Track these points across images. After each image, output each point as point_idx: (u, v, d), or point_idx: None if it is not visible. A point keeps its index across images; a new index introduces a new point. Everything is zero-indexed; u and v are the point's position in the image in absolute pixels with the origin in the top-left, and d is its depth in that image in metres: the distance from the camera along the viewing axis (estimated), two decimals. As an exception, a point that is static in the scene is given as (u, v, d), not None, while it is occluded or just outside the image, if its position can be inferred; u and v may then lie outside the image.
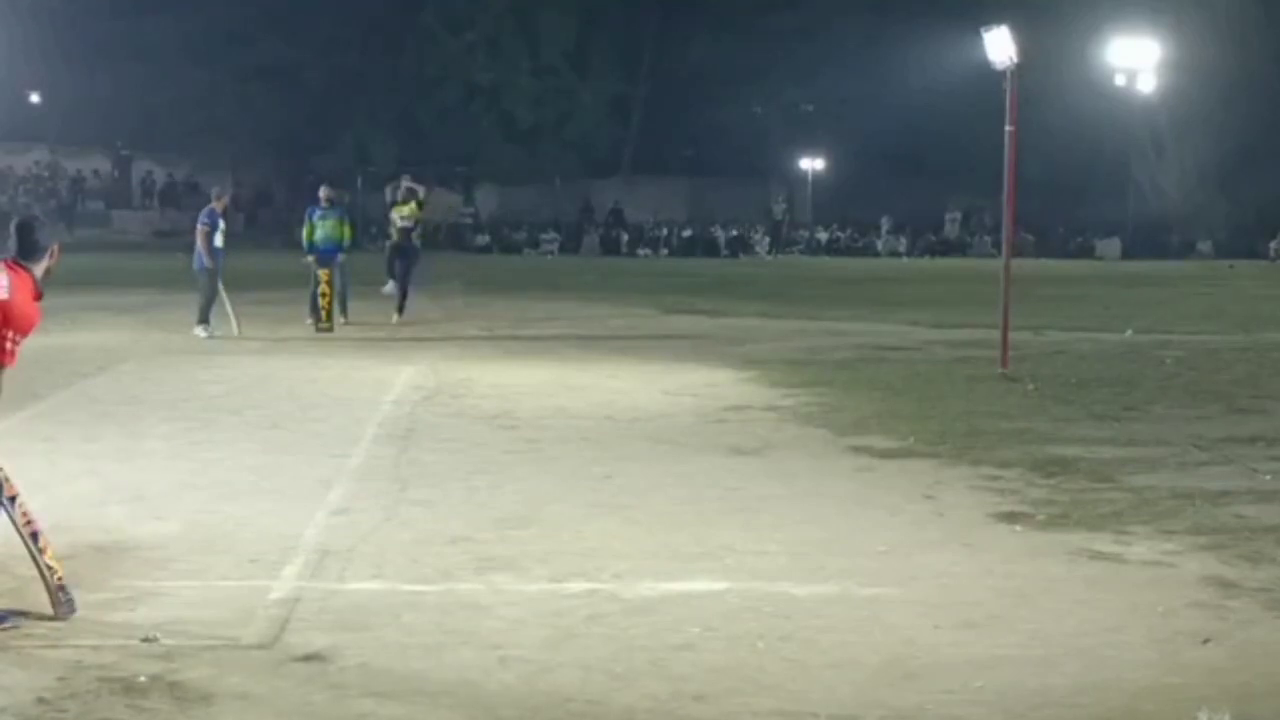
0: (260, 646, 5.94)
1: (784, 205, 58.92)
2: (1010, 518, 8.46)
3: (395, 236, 21.83)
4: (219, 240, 19.03)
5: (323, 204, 21.33)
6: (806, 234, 56.95)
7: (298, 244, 21.94)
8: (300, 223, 21.58)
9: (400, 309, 21.21)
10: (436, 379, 14.82)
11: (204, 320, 18.80)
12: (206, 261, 18.88)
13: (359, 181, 48.35)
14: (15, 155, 54.28)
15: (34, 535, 6.31)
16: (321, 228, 20.94)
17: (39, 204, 51.47)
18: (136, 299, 24.58)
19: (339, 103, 54.52)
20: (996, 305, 15.89)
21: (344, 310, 20.73)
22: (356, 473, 9.78)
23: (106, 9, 49.68)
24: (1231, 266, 42.71)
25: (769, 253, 53.35)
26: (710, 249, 53.21)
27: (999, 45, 15.17)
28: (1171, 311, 24.77)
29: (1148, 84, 45.20)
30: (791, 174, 58.83)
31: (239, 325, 19.04)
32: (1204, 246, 51.84)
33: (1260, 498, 9.04)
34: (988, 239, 51.75)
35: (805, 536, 7.98)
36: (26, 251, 6.34)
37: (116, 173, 56.31)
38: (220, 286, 19.01)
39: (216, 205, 19.39)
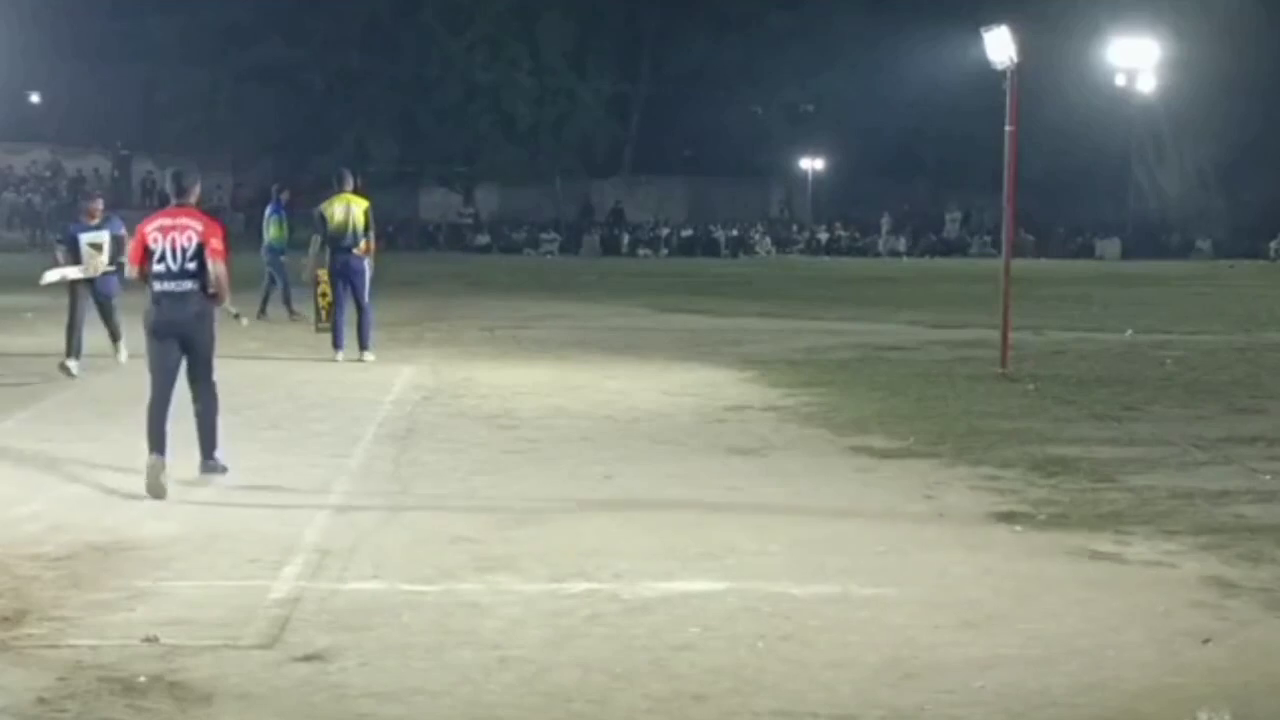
0: (260, 646, 5.94)
1: (784, 207, 59.07)
2: (1010, 518, 8.45)
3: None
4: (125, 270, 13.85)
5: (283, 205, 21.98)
6: (807, 234, 56.95)
7: (297, 245, 21.95)
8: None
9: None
10: (436, 379, 14.82)
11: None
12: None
13: (359, 181, 48.36)
14: (15, 155, 54.29)
15: None
16: (286, 227, 21.43)
17: (25, 204, 51.53)
18: (136, 299, 24.53)
19: (339, 103, 54.53)
20: (996, 305, 15.88)
21: (290, 305, 20.96)
22: (356, 473, 9.78)
23: (106, 9, 49.72)
24: (1231, 266, 42.75)
25: (767, 253, 53.39)
26: (710, 249, 53.21)
27: (999, 45, 15.16)
28: (1171, 311, 24.77)
29: (1148, 84, 45.26)
30: (791, 174, 58.87)
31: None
32: (1204, 246, 51.87)
33: (1260, 498, 9.03)
34: (988, 239, 51.78)
35: (805, 536, 7.98)
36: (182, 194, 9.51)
37: (116, 173, 56.30)
38: (89, 318, 15.08)
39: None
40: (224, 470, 9.46)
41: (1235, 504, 8.80)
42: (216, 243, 9.26)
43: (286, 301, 21.24)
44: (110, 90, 51.60)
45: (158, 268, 9.17)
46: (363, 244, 16.04)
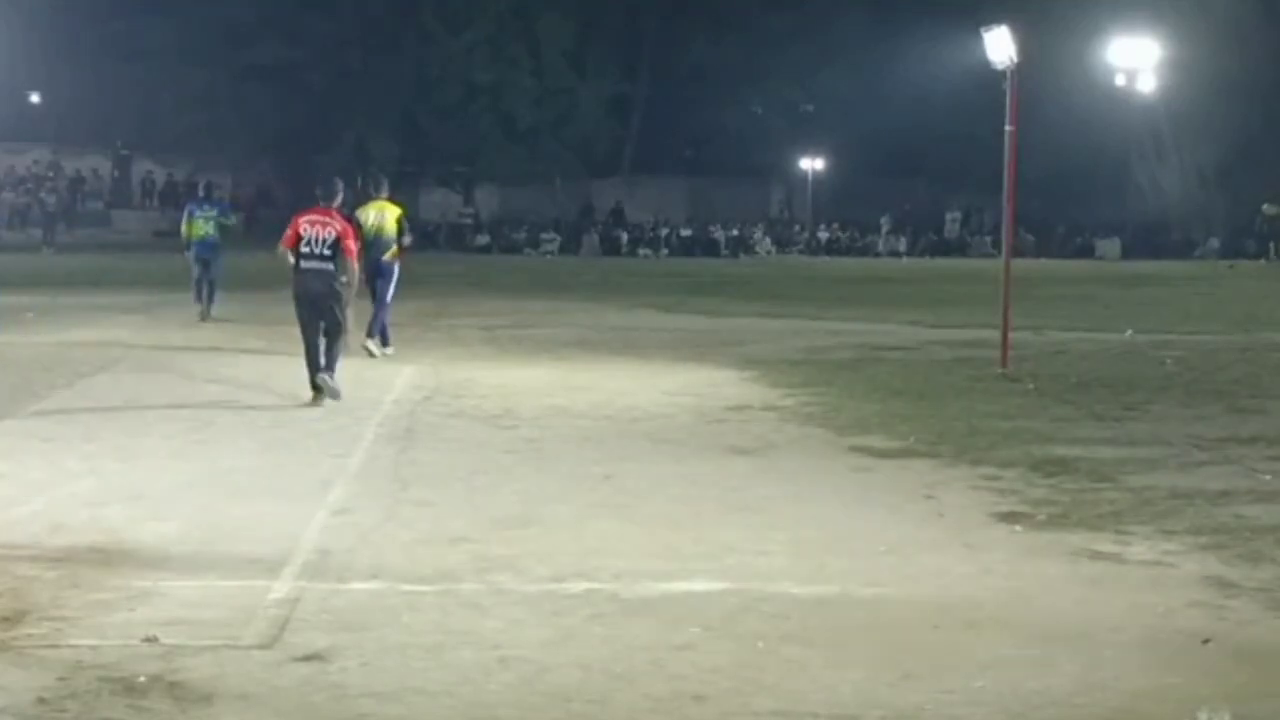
0: (260, 646, 5.95)
1: (784, 207, 59.09)
2: (1010, 518, 8.46)
3: None
4: None
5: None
6: (807, 234, 56.95)
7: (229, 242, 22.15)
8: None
9: None
10: (436, 379, 14.83)
11: None
12: None
13: (359, 181, 48.30)
14: (15, 155, 54.25)
15: None
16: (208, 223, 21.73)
17: (39, 204, 51.52)
18: (136, 299, 24.55)
19: (339, 103, 54.45)
20: (996, 305, 15.88)
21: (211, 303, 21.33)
22: (356, 473, 9.78)
23: (106, 9, 49.66)
24: (1231, 266, 42.71)
25: (767, 253, 53.39)
26: (710, 249, 53.19)
27: (999, 45, 15.17)
28: (1172, 311, 24.76)
29: (1148, 84, 45.17)
30: (791, 174, 58.83)
31: None
32: (1204, 246, 51.82)
33: (1260, 498, 9.03)
34: (988, 239, 51.73)
35: (805, 536, 7.98)
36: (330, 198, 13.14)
37: (116, 173, 56.29)
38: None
39: None
40: (335, 390, 12.73)
41: (1235, 504, 8.80)
42: (350, 242, 12.89)
43: (203, 299, 21.40)
44: (110, 90, 51.52)
45: (304, 249, 12.68)
46: (394, 249, 16.75)
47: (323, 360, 12.82)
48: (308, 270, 12.74)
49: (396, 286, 16.93)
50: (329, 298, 12.76)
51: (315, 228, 12.75)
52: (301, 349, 13.01)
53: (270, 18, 51.49)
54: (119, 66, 51.11)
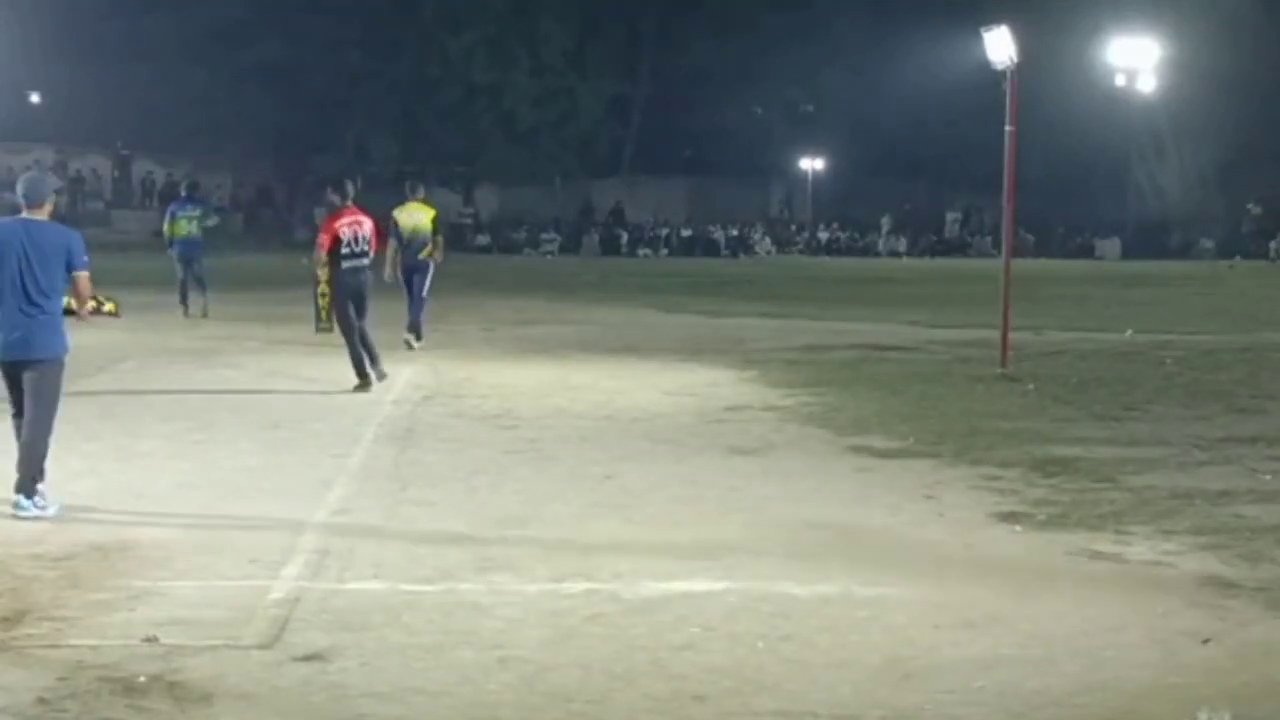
0: (260, 646, 5.94)
1: (784, 207, 59.11)
2: (1010, 518, 8.46)
3: None
4: None
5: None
6: (807, 234, 56.95)
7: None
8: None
9: None
10: (436, 379, 14.83)
11: None
12: None
13: (359, 181, 48.19)
14: (15, 155, 54.21)
15: None
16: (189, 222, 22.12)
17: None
18: (136, 299, 24.54)
19: (339, 103, 54.45)
20: (996, 305, 15.88)
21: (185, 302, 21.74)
22: (356, 473, 9.78)
23: (106, 9, 49.61)
24: (1231, 266, 42.72)
25: (767, 253, 53.40)
26: (710, 249, 53.20)
27: (999, 45, 15.17)
28: (1171, 311, 24.76)
29: (1148, 84, 45.17)
30: (791, 174, 58.84)
31: None
32: (1204, 246, 51.84)
33: (1260, 498, 9.03)
34: (988, 239, 51.76)
35: (805, 536, 7.98)
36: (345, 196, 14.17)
37: (116, 173, 56.27)
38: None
39: None
40: (385, 376, 13.94)
41: (1235, 504, 8.81)
42: (375, 239, 14.15)
43: (187, 299, 21.69)
44: (110, 90, 51.47)
45: (345, 250, 13.69)
46: (428, 248, 17.59)
47: (368, 357, 13.84)
48: (349, 269, 13.76)
49: (432, 283, 17.72)
50: (363, 291, 13.89)
51: (352, 228, 13.76)
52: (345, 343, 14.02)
53: (270, 18, 51.44)
54: (119, 66, 51.06)
